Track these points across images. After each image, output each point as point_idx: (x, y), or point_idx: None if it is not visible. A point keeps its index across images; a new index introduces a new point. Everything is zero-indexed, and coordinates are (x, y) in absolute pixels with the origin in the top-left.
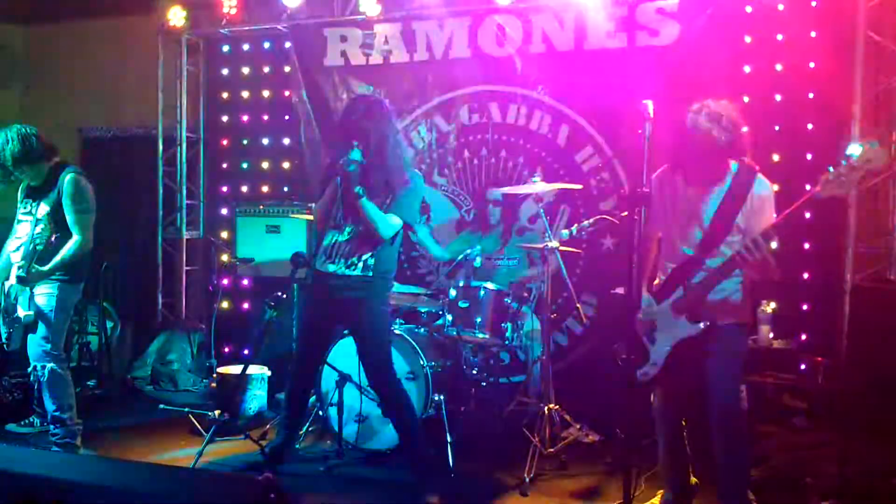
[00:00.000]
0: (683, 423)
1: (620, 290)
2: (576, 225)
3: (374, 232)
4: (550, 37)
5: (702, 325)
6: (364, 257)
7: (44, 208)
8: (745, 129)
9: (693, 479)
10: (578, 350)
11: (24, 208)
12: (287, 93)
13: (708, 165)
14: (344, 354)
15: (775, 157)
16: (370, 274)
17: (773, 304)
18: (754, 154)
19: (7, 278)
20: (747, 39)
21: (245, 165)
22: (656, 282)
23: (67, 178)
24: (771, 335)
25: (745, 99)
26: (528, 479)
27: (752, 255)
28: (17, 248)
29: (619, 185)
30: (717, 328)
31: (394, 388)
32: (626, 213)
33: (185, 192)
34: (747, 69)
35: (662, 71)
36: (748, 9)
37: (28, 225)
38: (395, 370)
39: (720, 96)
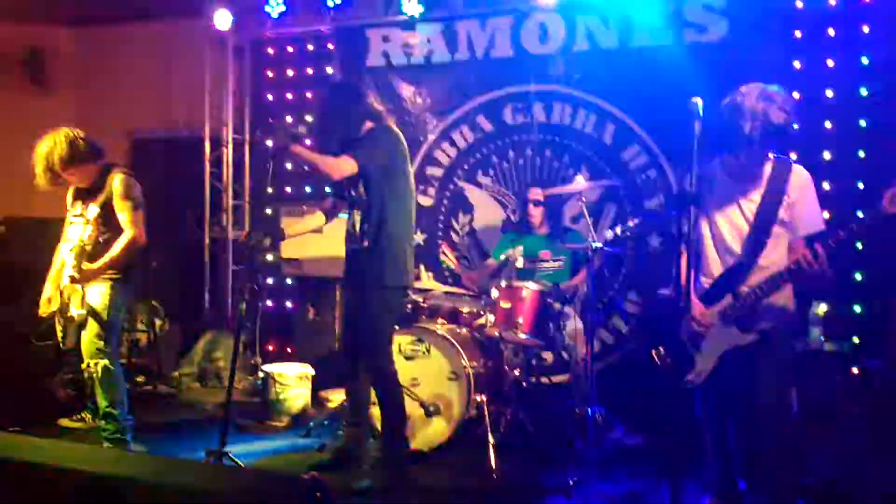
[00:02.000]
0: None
1: (666, 291)
2: (619, 225)
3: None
4: (595, 34)
5: (753, 335)
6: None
7: (93, 209)
8: (795, 125)
9: (740, 484)
10: (622, 350)
11: (75, 211)
12: None
13: (752, 154)
14: None
15: (826, 156)
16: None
17: (824, 306)
18: (805, 151)
19: (61, 278)
20: (797, 34)
21: (289, 166)
22: (703, 280)
23: (116, 178)
24: (822, 338)
25: (796, 95)
26: (571, 482)
27: (810, 267)
28: (70, 250)
29: (667, 183)
30: (765, 332)
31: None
32: (673, 212)
33: (231, 192)
34: (797, 65)
35: (710, 67)
36: (798, 4)
37: (79, 227)
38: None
39: None
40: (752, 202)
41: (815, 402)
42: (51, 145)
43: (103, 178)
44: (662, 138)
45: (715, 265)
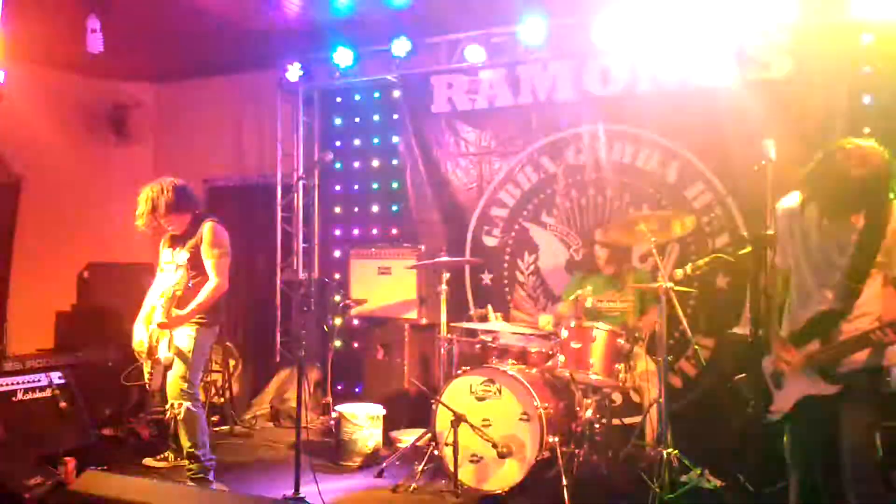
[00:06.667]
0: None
1: (738, 331)
2: (690, 264)
3: None
4: (657, 75)
5: (836, 388)
6: None
7: (183, 255)
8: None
9: None
10: (694, 391)
11: (167, 258)
12: (395, 139)
13: (847, 201)
14: (458, 393)
15: None
16: None
17: None
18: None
19: (151, 323)
20: (866, 69)
21: (356, 209)
22: (784, 323)
23: (206, 226)
24: None
25: (866, 130)
26: None
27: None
28: (160, 295)
29: (732, 221)
30: (849, 384)
31: None
32: (747, 249)
33: (301, 236)
34: (867, 100)
35: (775, 104)
36: (865, 38)
37: (169, 273)
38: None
39: (839, 128)
40: (846, 248)
41: None
42: (158, 190)
43: (195, 226)
44: (728, 176)
45: (802, 307)
